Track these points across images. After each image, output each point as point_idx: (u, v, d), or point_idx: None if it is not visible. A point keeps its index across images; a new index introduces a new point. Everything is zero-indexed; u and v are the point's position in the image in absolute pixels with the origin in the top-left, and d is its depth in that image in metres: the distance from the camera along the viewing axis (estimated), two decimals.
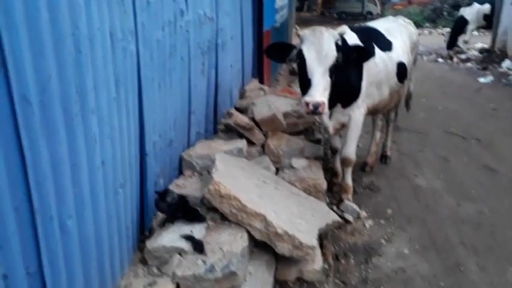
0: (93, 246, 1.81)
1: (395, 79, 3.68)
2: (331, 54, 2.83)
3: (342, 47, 2.97)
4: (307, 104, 2.76)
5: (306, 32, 2.94)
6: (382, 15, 26.22)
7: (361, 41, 3.33)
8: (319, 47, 2.83)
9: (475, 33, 14.67)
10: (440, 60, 11.50)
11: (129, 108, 2.10)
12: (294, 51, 2.99)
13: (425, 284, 2.71)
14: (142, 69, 2.21)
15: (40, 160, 1.44)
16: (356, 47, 3.07)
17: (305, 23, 23.43)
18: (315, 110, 2.75)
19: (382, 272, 2.82)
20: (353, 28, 3.54)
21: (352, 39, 3.31)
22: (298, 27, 3.29)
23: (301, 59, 2.88)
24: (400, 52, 3.75)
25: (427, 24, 22.28)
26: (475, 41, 13.34)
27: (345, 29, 3.25)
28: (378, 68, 3.46)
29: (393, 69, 3.63)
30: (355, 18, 25.09)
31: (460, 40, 12.27)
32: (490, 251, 3.05)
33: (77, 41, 1.55)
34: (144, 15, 2.17)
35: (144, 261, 2.29)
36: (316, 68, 2.82)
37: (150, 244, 2.25)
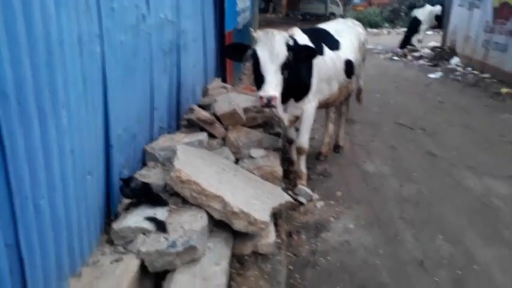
0: (63, 225, 2.03)
1: (343, 75, 4.06)
2: (282, 53, 3.16)
3: (292, 47, 3.29)
4: (261, 98, 3.08)
5: (259, 34, 3.26)
6: (344, 16, 27.12)
7: (311, 41, 3.68)
8: (271, 47, 3.15)
9: (430, 32, 15.56)
10: (395, 58, 12.17)
11: (95, 104, 2.34)
12: (249, 51, 3.30)
13: (366, 253, 3.09)
14: (107, 69, 2.45)
15: (17, 148, 1.67)
16: (304, 46, 3.41)
17: (270, 24, 23.84)
18: (269, 103, 3.08)
19: (329, 244, 3.18)
20: (304, 30, 3.89)
21: (303, 39, 3.65)
22: (253, 30, 3.59)
23: (255, 58, 3.20)
24: (348, 51, 4.13)
25: (386, 25, 23.27)
26: (429, 40, 14.18)
27: (295, 30, 3.61)
28: (327, 65, 3.82)
29: (341, 66, 4.01)
30: (318, 19, 25.70)
31: (415, 39, 13.03)
32: (425, 224, 3.47)
33: (49, 44, 1.78)
34: (108, 21, 2.42)
35: (110, 242, 2.51)
36: (268, 66, 3.14)
37: (116, 225, 2.49)
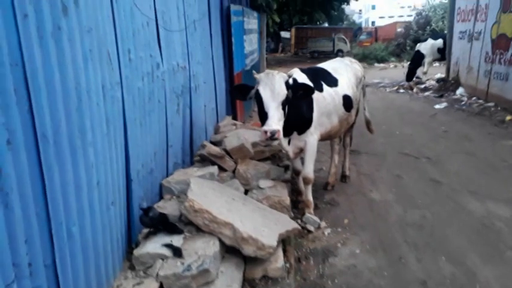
0: (91, 250, 2.30)
1: (342, 109, 4.35)
2: (282, 91, 3.47)
3: (291, 85, 3.62)
4: (265, 132, 3.37)
5: (261, 75, 3.60)
6: (351, 52, 27.90)
7: (310, 79, 4.02)
8: (272, 86, 3.47)
9: (436, 64, 15.97)
10: (401, 90, 12.49)
11: (117, 142, 2.66)
12: (253, 91, 3.64)
13: (371, 275, 3.23)
14: (126, 112, 2.79)
15: (53, 180, 1.96)
16: (302, 84, 3.73)
17: (280, 63, 24.78)
18: (272, 136, 3.36)
19: (336, 268, 3.34)
20: (303, 69, 4.24)
21: (302, 78, 3.99)
22: (255, 72, 3.94)
23: (258, 97, 3.51)
24: (345, 86, 4.45)
25: (392, 59, 23.82)
26: (435, 72, 14.52)
27: (294, 70, 3.96)
28: (326, 100, 4.13)
29: (340, 101, 4.31)
30: (326, 57, 26.57)
31: (420, 72, 13.41)
32: (428, 246, 3.61)
33: (79, 93, 2.12)
34: (127, 70, 2.79)
35: (132, 268, 2.76)
36: (270, 103, 3.45)
37: (137, 252, 2.74)
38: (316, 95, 3.85)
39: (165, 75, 3.60)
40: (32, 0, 1.76)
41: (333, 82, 4.33)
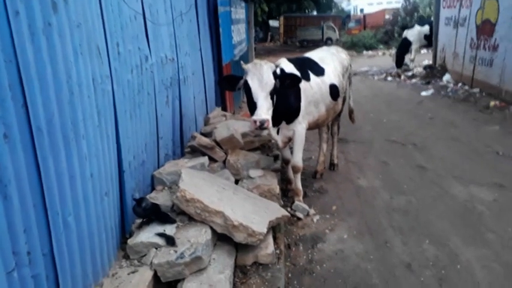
0: (87, 239, 2.37)
1: (329, 98, 4.44)
2: (270, 81, 3.53)
3: (279, 75, 3.68)
4: (255, 121, 3.44)
5: (249, 66, 3.65)
6: (340, 40, 27.93)
7: (298, 69, 4.08)
8: (260, 76, 3.53)
9: (424, 51, 16.11)
10: (389, 78, 12.62)
11: (109, 134, 2.71)
12: (241, 82, 3.69)
13: (358, 259, 3.36)
14: (117, 104, 2.83)
15: (49, 171, 2.02)
16: (289, 74, 3.79)
17: (269, 52, 24.71)
18: (261, 125, 3.42)
19: (325, 253, 3.47)
20: (291, 59, 4.30)
21: (289, 68, 4.05)
22: (243, 62, 3.99)
23: (247, 87, 3.57)
24: (332, 76, 4.53)
25: (381, 46, 23.93)
26: (423, 59, 14.67)
27: (281, 60, 4.02)
28: (314, 90, 4.21)
29: (326, 90, 4.39)
30: (316, 45, 26.51)
31: (407, 59, 13.54)
32: (413, 230, 3.75)
33: (70, 86, 2.17)
34: (116, 63, 2.83)
35: (126, 257, 2.84)
36: (259, 93, 3.51)
37: (131, 241, 2.82)
38: (303, 85, 3.92)
39: (153, 68, 3.63)
40: None
41: (319, 71, 4.40)
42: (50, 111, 2.01)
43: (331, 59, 4.72)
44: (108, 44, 2.71)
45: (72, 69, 2.20)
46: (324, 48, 5.30)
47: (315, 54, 4.76)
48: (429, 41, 13.15)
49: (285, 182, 4.70)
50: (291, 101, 3.97)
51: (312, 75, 4.24)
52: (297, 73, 3.91)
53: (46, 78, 1.97)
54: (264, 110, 3.47)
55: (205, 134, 4.85)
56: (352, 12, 48.28)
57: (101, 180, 2.56)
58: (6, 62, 1.71)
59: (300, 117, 4.07)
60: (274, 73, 3.60)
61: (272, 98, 3.57)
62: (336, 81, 4.52)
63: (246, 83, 3.57)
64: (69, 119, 2.17)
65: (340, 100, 4.75)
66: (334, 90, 4.46)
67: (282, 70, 3.84)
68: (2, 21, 1.69)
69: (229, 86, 3.85)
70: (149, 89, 3.53)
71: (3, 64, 1.69)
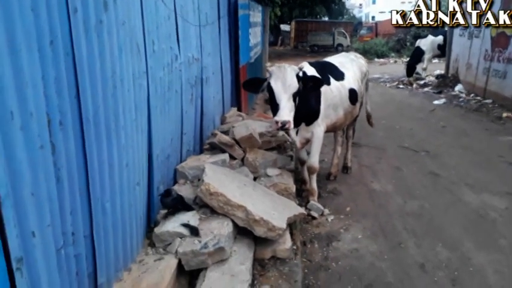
0: (120, 225, 2.50)
1: (348, 102, 4.55)
2: (293, 84, 3.65)
3: (302, 78, 3.81)
4: (277, 122, 3.56)
5: (273, 68, 3.78)
6: (350, 46, 28.00)
7: (319, 73, 4.20)
8: (284, 79, 3.65)
9: (436, 60, 16.16)
10: (401, 86, 12.70)
11: (143, 127, 2.85)
12: (265, 84, 3.82)
13: (373, 258, 3.46)
14: (150, 99, 2.98)
15: (92, 160, 2.16)
16: (312, 77, 3.92)
17: (280, 56, 24.88)
18: (283, 126, 3.55)
19: (340, 251, 3.57)
20: (312, 63, 4.43)
21: (311, 71, 4.17)
22: (269, 64, 4.13)
23: (270, 89, 3.70)
24: (351, 80, 4.65)
25: (393, 54, 23.97)
26: (434, 68, 14.72)
27: (304, 64, 4.14)
28: (333, 93, 4.33)
29: (346, 94, 4.51)
30: (326, 51, 26.63)
31: (420, 68, 13.61)
32: (426, 234, 3.84)
33: (114, 80, 2.31)
34: (151, 60, 2.97)
35: (152, 245, 2.96)
36: (282, 95, 3.63)
37: (158, 230, 2.95)
38: (323, 88, 4.04)
39: (182, 67, 3.78)
40: None
41: (339, 76, 4.52)
42: (96, 104, 2.15)
43: (350, 64, 4.84)
44: (146, 41, 2.86)
45: (116, 65, 2.34)
46: (343, 53, 5.43)
47: (335, 59, 4.89)
48: (442, 51, 13.21)
49: (300, 183, 4.81)
50: (312, 104, 4.09)
51: (332, 79, 4.36)
52: (319, 76, 4.04)
53: (95, 72, 2.11)
54: (287, 112, 3.58)
55: (223, 133, 4.98)
56: (363, 20, 48.35)
57: (134, 170, 2.70)
58: (65, 55, 1.85)
59: (319, 120, 4.19)
60: (298, 76, 3.72)
61: (294, 100, 3.69)
62: (355, 86, 4.63)
63: (269, 85, 3.69)
64: (111, 111, 2.31)
65: (358, 105, 4.86)
66: (353, 95, 4.57)
67: (304, 73, 3.97)
68: (63, 16, 1.83)
69: (253, 88, 3.98)
70: (177, 87, 3.68)
71: (63, 57, 1.83)
